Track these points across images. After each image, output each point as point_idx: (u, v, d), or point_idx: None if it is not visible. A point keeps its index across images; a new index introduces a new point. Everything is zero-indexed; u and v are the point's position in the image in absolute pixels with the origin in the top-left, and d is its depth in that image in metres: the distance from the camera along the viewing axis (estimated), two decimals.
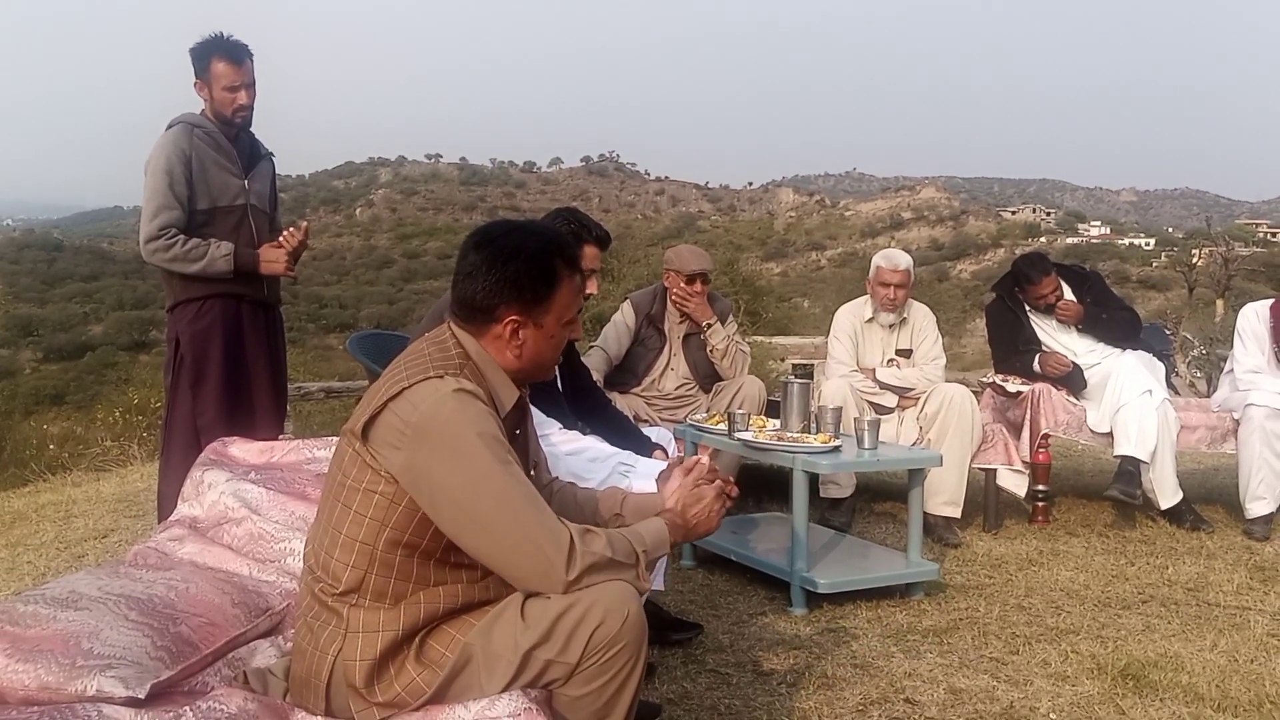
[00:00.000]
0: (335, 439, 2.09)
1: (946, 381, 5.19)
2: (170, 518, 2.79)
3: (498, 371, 2.03)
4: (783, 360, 9.76)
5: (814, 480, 4.41)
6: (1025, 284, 5.41)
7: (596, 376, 4.62)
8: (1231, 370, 5.49)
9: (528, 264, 1.99)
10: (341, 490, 1.96)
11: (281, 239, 4.07)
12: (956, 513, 4.87)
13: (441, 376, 1.91)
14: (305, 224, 4.17)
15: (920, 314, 5.30)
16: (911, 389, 5.12)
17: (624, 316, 5.11)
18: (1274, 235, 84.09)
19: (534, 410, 2.47)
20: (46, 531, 5.16)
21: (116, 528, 5.14)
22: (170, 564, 2.48)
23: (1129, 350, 5.35)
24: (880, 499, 5.68)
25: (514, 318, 2.00)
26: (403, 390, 1.91)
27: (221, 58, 3.92)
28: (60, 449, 9.57)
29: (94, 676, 1.82)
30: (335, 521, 1.95)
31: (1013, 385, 5.33)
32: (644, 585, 1.96)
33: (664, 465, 3.01)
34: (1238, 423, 5.18)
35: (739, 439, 4.11)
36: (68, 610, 2.02)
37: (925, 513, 4.42)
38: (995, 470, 5.13)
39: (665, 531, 2.07)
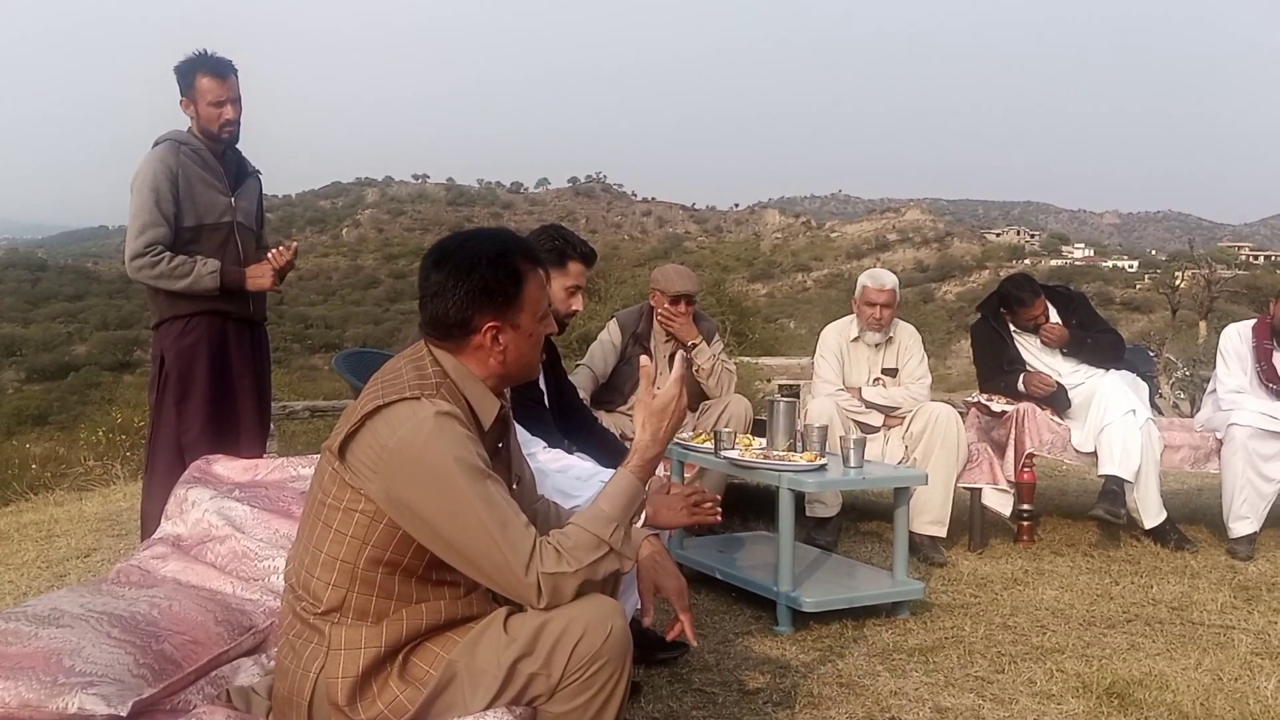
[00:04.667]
0: (319, 457, 2.08)
1: (931, 402, 5.21)
2: (153, 535, 2.78)
3: (476, 385, 2.02)
4: (769, 381, 9.77)
5: (800, 499, 4.41)
6: (1016, 306, 5.43)
7: (583, 395, 4.62)
8: (1214, 390, 5.52)
9: (491, 269, 1.99)
10: (322, 509, 1.95)
11: (270, 256, 4.07)
12: (942, 532, 4.88)
13: (419, 398, 1.90)
14: (295, 244, 4.17)
15: (906, 333, 5.32)
16: (897, 408, 5.13)
17: (610, 335, 5.12)
18: (1256, 258, 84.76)
19: (519, 428, 2.47)
20: (28, 551, 5.12)
21: (99, 547, 5.11)
22: (153, 582, 2.46)
23: (1113, 370, 5.38)
24: (866, 518, 5.68)
25: (491, 324, 2.00)
26: (379, 408, 1.90)
27: (206, 73, 3.93)
28: (43, 469, 9.50)
29: (75, 694, 1.81)
30: (316, 540, 1.94)
31: (997, 405, 5.35)
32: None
33: None
34: (1221, 442, 5.21)
35: (725, 457, 4.12)
36: (49, 627, 2.00)
37: (910, 532, 4.42)
38: (980, 489, 5.14)
39: (632, 480, 2.02)
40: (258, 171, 4.26)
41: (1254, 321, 5.49)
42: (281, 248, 4.11)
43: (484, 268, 1.99)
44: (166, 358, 3.97)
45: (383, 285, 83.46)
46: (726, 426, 4.56)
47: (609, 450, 3.62)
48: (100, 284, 71.48)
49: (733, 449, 4.16)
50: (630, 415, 5.01)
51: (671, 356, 5.08)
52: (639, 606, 2.37)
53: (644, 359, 2.14)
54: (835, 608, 3.89)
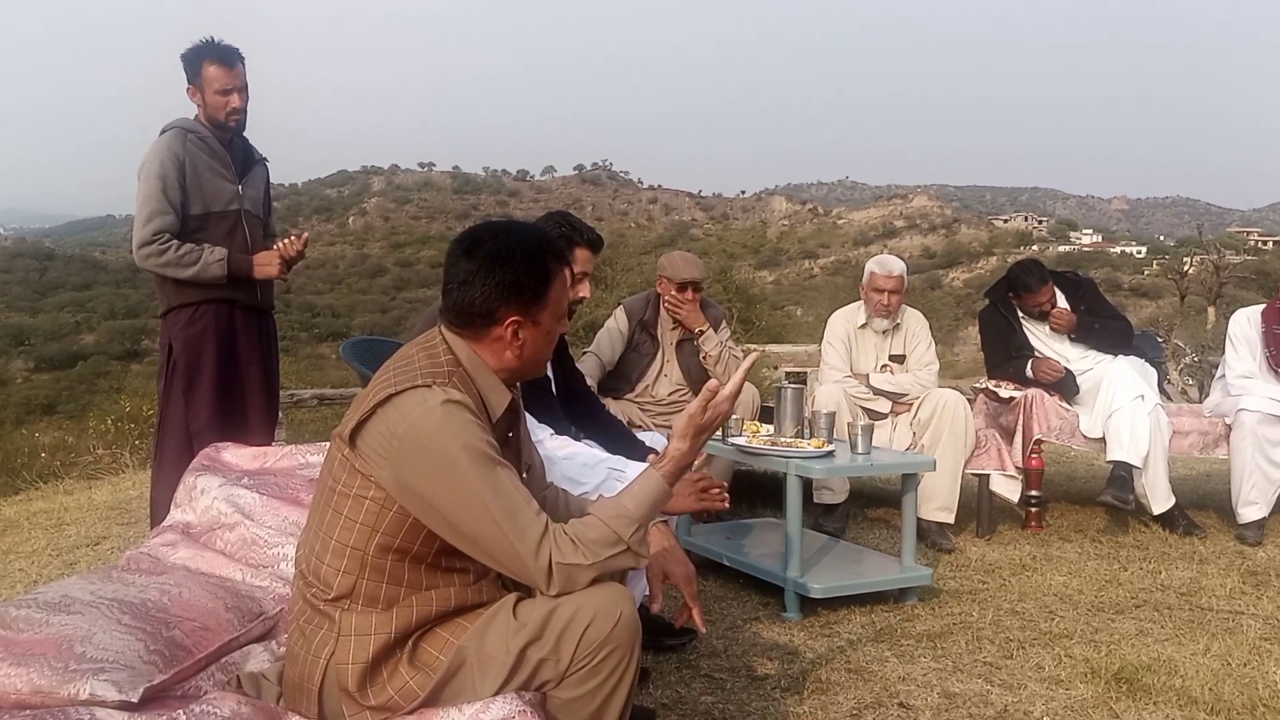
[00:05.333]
0: (328, 444, 2.08)
1: (939, 388, 5.20)
2: (163, 523, 2.78)
3: (489, 376, 2.03)
4: (776, 368, 9.77)
5: (807, 486, 4.42)
6: (1023, 291, 5.42)
7: (589, 382, 4.62)
8: (1223, 375, 5.50)
9: (524, 265, 1.99)
10: (332, 495, 1.95)
11: (280, 245, 4.07)
12: (950, 518, 4.88)
13: (430, 386, 1.90)
14: (306, 234, 4.17)
15: (914, 320, 5.31)
16: (905, 394, 5.12)
17: (617, 323, 5.12)
18: (1265, 243, 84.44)
19: (527, 416, 2.47)
20: (38, 539, 5.14)
21: (109, 535, 5.13)
22: (163, 569, 2.47)
23: (1121, 356, 5.36)
24: (874, 504, 5.68)
25: (515, 319, 2.00)
26: (391, 396, 1.90)
27: (213, 61, 3.93)
28: (52, 458, 9.54)
29: (87, 680, 1.82)
30: (326, 527, 1.95)
31: (1005, 391, 5.34)
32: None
33: None
34: (1230, 428, 5.19)
35: (733, 444, 4.12)
36: (60, 614, 2.01)
37: (918, 518, 4.42)
38: (988, 475, 5.13)
39: (661, 485, 2.01)
40: (264, 159, 4.26)
41: (1263, 306, 5.46)
42: (292, 237, 4.11)
43: (517, 262, 1.99)
44: (174, 346, 3.97)
45: (389, 274, 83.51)
46: (734, 414, 4.55)
47: (616, 437, 3.62)
48: (108, 273, 71.66)
49: (740, 436, 4.17)
50: (636, 402, 5.02)
51: (678, 344, 5.08)
52: (647, 593, 2.37)
53: (713, 381, 2.11)
54: (843, 594, 3.89)
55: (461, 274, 2.00)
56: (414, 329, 3.63)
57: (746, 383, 5.07)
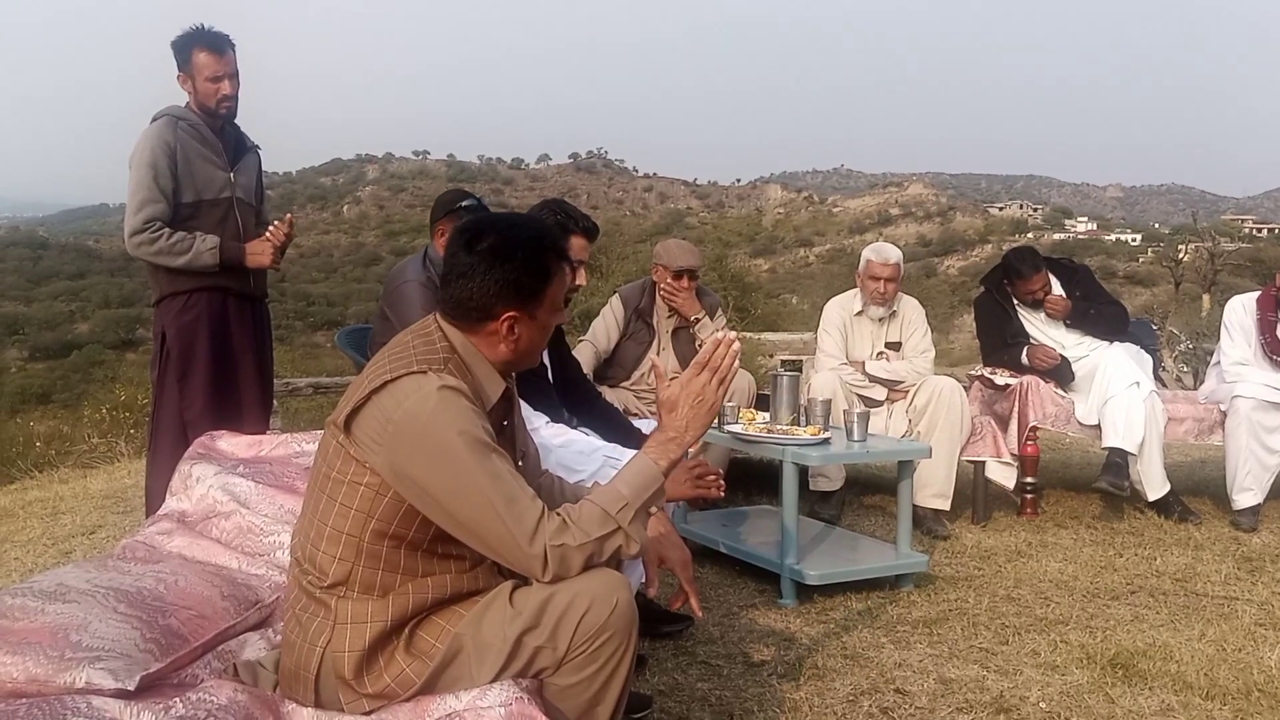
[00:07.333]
0: (323, 432, 2.08)
1: (935, 376, 5.20)
2: (158, 512, 2.78)
3: (483, 364, 2.02)
4: (771, 356, 9.77)
5: (803, 473, 4.42)
6: (1015, 278, 5.42)
7: (586, 370, 4.62)
8: (1218, 362, 5.51)
9: (525, 264, 1.98)
10: (326, 482, 1.94)
11: (268, 233, 4.06)
12: (945, 505, 4.89)
13: (425, 372, 1.90)
14: (290, 216, 4.16)
15: (910, 307, 5.31)
16: (900, 382, 5.12)
17: (613, 311, 5.11)
18: (1260, 230, 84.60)
19: (522, 404, 2.47)
20: (34, 528, 5.14)
21: (104, 524, 5.12)
22: (159, 557, 2.47)
23: (1117, 343, 5.36)
24: (869, 492, 5.68)
25: (510, 315, 1.99)
26: (386, 383, 1.89)
27: (203, 48, 3.90)
28: (47, 447, 9.52)
29: (83, 669, 1.81)
30: (321, 514, 1.94)
31: (1001, 378, 5.34)
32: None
33: None
34: (1225, 414, 5.20)
35: (729, 432, 4.12)
36: (56, 603, 2.00)
37: (914, 505, 4.42)
38: (984, 462, 5.13)
39: (645, 462, 1.99)
40: (257, 147, 4.24)
41: (1258, 294, 5.47)
42: (277, 223, 4.10)
43: (518, 261, 1.97)
44: (168, 334, 3.96)
45: (384, 262, 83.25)
46: (730, 401, 4.55)
47: (612, 425, 3.62)
48: (102, 262, 71.52)
49: (736, 423, 4.16)
50: (632, 390, 5.01)
51: (674, 332, 5.07)
52: (644, 579, 2.37)
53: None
54: (839, 580, 3.90)
55: (461, 267, 1.98)
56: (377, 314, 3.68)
57: (742, 370, 5.10)
